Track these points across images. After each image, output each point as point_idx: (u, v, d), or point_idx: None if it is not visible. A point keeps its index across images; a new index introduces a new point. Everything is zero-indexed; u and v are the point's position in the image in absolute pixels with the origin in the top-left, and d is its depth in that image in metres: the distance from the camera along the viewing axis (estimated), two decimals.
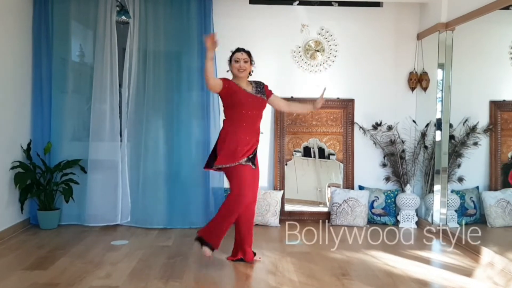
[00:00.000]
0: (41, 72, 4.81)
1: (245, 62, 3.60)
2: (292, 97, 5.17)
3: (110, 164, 4.85)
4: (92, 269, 3.49)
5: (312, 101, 5.13)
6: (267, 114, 5.04)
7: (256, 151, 3.67)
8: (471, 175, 4.94)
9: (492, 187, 4.88)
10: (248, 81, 3.71)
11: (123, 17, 4.79)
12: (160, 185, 4.87)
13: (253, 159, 3.61)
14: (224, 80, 3.58)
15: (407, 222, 4.95)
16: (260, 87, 3.71)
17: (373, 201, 5.10)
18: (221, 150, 3.57)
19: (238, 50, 3.65)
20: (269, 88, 3.79)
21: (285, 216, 5.04)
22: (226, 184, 4.58)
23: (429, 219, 4.84)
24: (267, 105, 3.78)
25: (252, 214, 3.69)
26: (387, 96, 5.25)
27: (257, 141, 3.69)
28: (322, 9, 5.19)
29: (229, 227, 3.54)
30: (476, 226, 4.26)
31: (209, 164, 3.67)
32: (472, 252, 4.02)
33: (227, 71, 3.71)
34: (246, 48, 3.71)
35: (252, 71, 3.72)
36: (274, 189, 5.13)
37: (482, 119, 4.88)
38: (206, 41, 3.39)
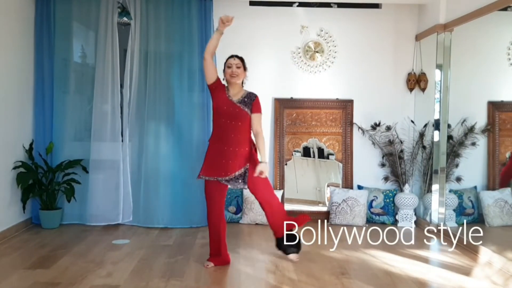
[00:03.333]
0: (43, 73, 4.84)
1: (238, 67, 3.55)
2: (291, 97, 5.21)
3: (112, 164, 4.88)
4: (93, 268, 3.52)
5: (310, 100, 5.22)
6: (267, 114, 5.07)
7: (244, 172, 3.54)
8: (469, 175, 4.96)
9: (490, 186, 4.90)
10: (244, 90, 3.64)
11: (125, 18, 4.82)
12: (161, 185, 4.89)
13: (236, 179, 3.54)
14: (219, 79, 3.58)
15: (406, 221, 4.98)
16: (250, 98, 3.57)
17: (372, 200, 5.13)
18: (205, 159, 3.59)
19: (231, 56, 3.63)
20: (260, 105, 3.60)
21: None
22: None
23: (428, 219, 4.88)
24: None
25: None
26: (385, 96, 5.28)
27: (243, 156, 3.53)
28: (321, 11, 5.23)
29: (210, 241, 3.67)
30: (476, 226, 4.27)
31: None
32: (471, 251, 4.05)
33: (223, 79, 3.65)
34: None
35: (245, 79, 3.64)
36: (274, 189, 5.15)
37: (480, 119, 4.90)
38: (224, 19, 3.39)
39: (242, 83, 3.65)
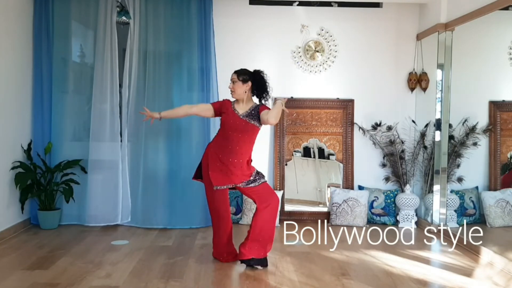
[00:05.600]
0: (42, 72, 4.82)
1: (234, 82, 3.57)
2: (292, 97, 5.19)
3: (111, 164, 4.87)
4: (92, 269, 3.50)
5: (310, 100, 5.21)
6: None
7: (256, 174, 3.62)
8: (471, 175, 4.95)
9: (491, 187, 4.88)
10: (253, 102, 3.63)
11: (124, 18, 4.80)
12: (160, 185, 4.88)
13: (254, 178, 3.59)
14: (219, 102, 3.69)
15: (407, 222, 4.96)
16: (255, 110, 3.57)
17: (373, 201, 5.11)
18: (209, 167, 3.57)
19: (234, 71, 3.64)
20: (266, 106, 3.62)
21: (285, 216, 5.05)
22: None
23: (429, 219, 4.86)
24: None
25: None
26: (386, 96, 5.26)
27: (246, 165, 3.58)
28: (321, 10, 5.21)
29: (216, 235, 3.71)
30: (478, 227, 4.26)
31: (197, 175, 3.77)
32: (472, 252, 4.03)
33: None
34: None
35: (249, 92, 3.61)
36: (274, 189, 5.13)
37: (482, 119, 4.89)
38: None
39: (259, 97, 3.66)
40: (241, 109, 3.59)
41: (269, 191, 3.63)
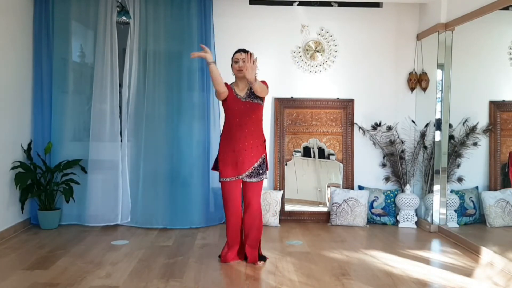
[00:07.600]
0: (42, 72, 4.83)
1: (244, 62, 3.48)
2: (292, 97, 5.19)
3: (111, 164, 4.87)
4: (92, 269, 3.50)
5: (310, 100, 5.21)
6: (267, 114, 5.05)
7: (262, 161, 3.60)
8: (471, 175, 4.95)
9: (491, 187, 4.89)
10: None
11: (124, 18, 4.80)
12: (160, 185, 4.88)
13: (257, 171, 3.58)
14: (226, 84, 3.59)
15: (407, 222, 4.96)
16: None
17: (373, 201, 5.11)
18: (219, 160, 3.62)
19: (238, 51, 3.60)
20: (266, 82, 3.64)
21: (285, 216, 5.05)
22: None
23: (429, 219, 4.85)
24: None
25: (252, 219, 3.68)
26: (386, 96, 5.26)
27: (258, 147, 3.58)
28: (322, 10, 5.21)
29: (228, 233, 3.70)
30: (475, 226, 4.26)
31: (216, 166, 3.74)
32: (472, 252, 4.03)
33: (233, 74, 3.66)
34: (247, 49, 3.68)
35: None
36: (274, 189, 5.14)
37: (482, 119, 4.89)
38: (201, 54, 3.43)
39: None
40: (241, 91, 3.57)
41: (255, 193, 3.64)
